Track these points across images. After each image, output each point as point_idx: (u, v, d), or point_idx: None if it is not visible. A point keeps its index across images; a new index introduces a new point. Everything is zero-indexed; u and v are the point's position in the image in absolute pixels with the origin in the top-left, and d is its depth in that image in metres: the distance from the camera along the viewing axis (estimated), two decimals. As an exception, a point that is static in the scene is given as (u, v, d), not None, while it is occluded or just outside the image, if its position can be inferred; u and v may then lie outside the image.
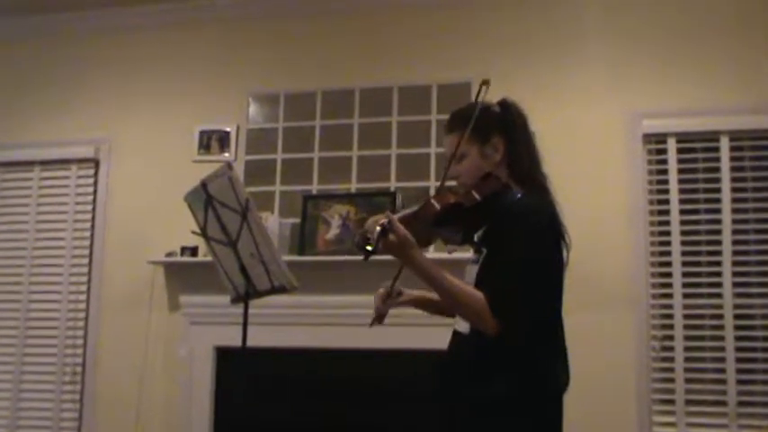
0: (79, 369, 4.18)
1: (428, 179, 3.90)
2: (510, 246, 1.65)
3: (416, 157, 3.95)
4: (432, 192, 3.81)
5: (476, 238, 1.78)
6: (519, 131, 1.82)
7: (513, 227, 1.66)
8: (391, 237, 1.55)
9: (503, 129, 1.80)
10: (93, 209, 4.31)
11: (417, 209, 1.65)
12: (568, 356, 1.75)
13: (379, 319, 1.90)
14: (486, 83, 1.76)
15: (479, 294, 1.62)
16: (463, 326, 1.74)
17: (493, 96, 1.84)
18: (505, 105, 1.85)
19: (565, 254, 1.73)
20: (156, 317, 4.10)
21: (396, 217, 1.58)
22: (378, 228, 1.52)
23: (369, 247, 1.50)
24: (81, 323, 4.22)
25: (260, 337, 3.36)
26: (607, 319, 3.58)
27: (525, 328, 1.63)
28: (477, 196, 1.69)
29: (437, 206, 1.64)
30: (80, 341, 4.21)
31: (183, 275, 4.02)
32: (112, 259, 4.23)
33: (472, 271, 1.74)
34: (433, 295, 1.90)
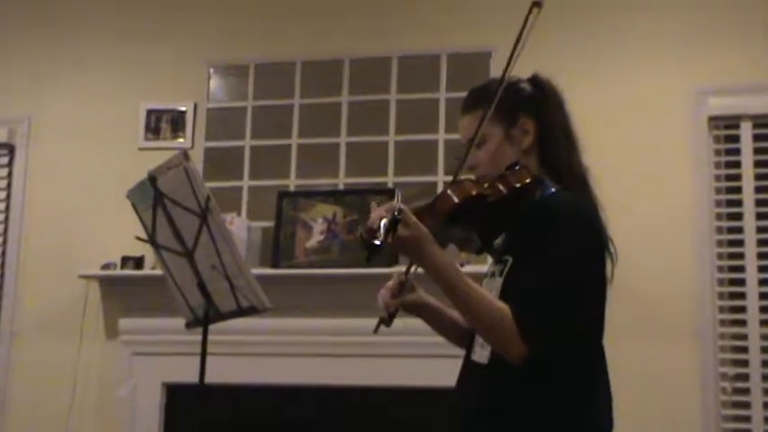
0: (-15, 414, 4.18)
1: (435, 172, 3.92)
2: (542, 253, 1.65)
3: (421, 144, 3.97)
4: (440, 189, 3.82)
5: (497, 244, 1.80)
6: (553, 112, 1.83)
7: (547, 229, 1.66)
8: (401, 230, 1.57)
9: (534, 108, 1.82)
10: (7, 207, 4.31)
11: (432, 201, 1.67)
12: (612, 398, 1.76)
13: (387, 319, 1.82)
14: (537, 4, 1.75)
15: (506, 309, 1.62)
16: (481, 354, 1.75)
17: (519, 72, 1.86)
18: (537, 82, 1.87)
19: (609, 267, 1.74)
20: (88, 346, 4.10)
21: (407, 208, 1.60)
22: (385, 220, 1.54)
23: (376, 242, 1.52)
24: (-10, 354, 4.23)
25: (222, 372, 3.37)
26: (662, 353, 3.60)
27: (562, 356, 1.64)
28: (502, 189, 1.71)
29: (455, 198, 1.66)
30: (-13, 377, 4.21)
31: (124, 293, 4.02)
32: (31, 272, 4.23)
33: (492, 286, 1.75)
34: (449, 312, 1.91)
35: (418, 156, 3.96)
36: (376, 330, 1.82)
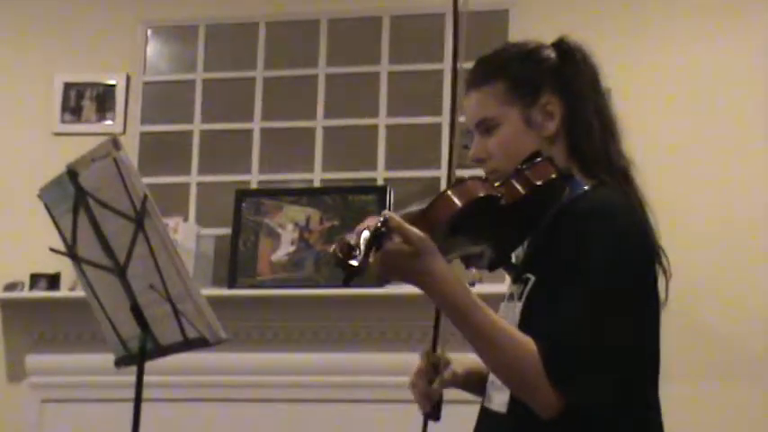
0: None
1: (438, 165, 3.94)
2: (573, 269, 1.65)
3: (419, 130, 4.00)
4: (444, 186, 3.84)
5: (515, 258, 1.81)
6: (585, 88, 1.83)
7: (578, 238, 1.67)
8: (396, 242, 1.56)
9: (560, 84, 1.82)
10: None
11: (427, 206, 1.67)
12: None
13: (434, 412, 1.83)
14: None
15: (531, 346, 1.62)
16: (498, 400, 1.76)
17: (544, 35, 1.87)
18: (565, 48, 1.87)
19: (662, 285, 1.75)
20: (-14, 390, 4.11)
21: (396, 215, 1.59)
22: (366, 232, 1.53)
23: (352, 262, 1.52)
24: None
25: (162, 424, 3.37)
26: (729, 397, 3.62)
27: (603, 407, 1.63)
28: (519, 188, 1.72)
29: (457, 202, 1.65)
30: None
31: (33, 321, 4.03)
32: None
33: (511, 311, 1.75)
34: (485, 369, 1.86)
35: (416, 144, 3.98)
36: (425, 430, 1.83)
